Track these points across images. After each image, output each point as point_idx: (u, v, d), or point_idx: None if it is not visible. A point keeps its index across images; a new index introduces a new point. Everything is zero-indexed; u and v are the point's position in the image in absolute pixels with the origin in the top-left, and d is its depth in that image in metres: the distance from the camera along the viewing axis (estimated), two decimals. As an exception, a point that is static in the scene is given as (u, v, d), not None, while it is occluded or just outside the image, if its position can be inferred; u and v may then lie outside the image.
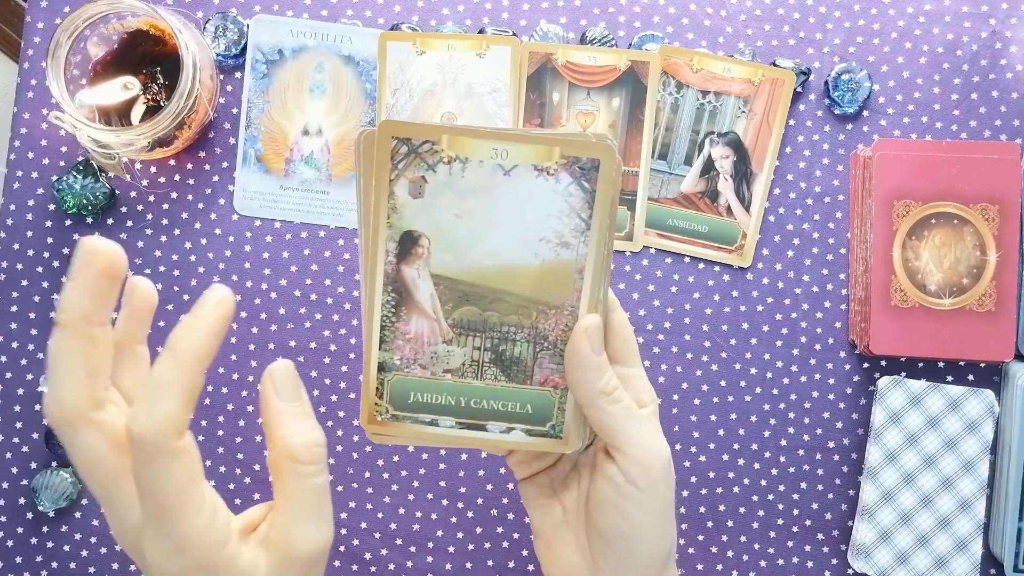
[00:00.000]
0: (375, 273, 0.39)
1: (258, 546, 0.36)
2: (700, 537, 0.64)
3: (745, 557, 0.64)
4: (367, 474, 0.64)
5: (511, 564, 0.64)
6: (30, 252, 0.64)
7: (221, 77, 0.65)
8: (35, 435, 0.64)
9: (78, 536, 0.64)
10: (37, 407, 0.64)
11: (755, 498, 0.64)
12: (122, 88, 0.61)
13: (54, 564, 0.64)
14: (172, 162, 0.65)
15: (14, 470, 0.64)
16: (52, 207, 0.64)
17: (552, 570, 0.44)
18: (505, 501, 0.64)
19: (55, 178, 0.64)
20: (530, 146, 0.37)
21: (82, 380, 0.32)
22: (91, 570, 0.64)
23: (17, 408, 0.64)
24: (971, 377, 0.64)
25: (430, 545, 0.64)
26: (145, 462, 0.32)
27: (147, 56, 0.61)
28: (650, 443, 0.40)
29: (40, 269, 0.64)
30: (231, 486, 0.64)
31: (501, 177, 0.38)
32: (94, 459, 0.33)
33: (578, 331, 0.39)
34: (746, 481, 0.64)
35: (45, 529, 0.64)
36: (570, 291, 0.39)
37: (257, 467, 0.64)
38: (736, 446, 0.64)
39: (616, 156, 0.37)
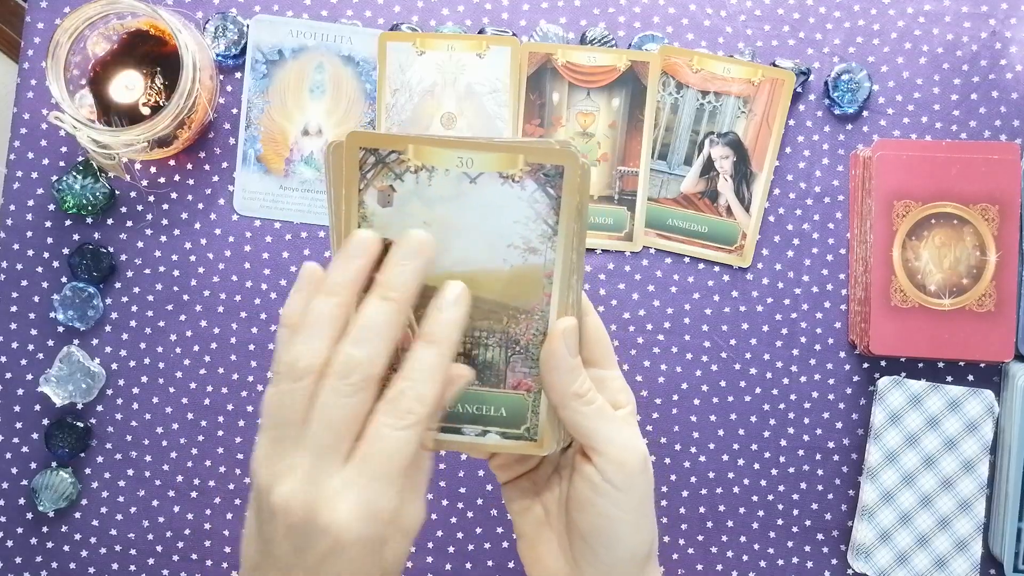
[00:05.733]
0: None
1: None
2: (700, 537, 0.64)
3: (745, 557, 0.64)
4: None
5: (511, 564, 0.64)
6: (30, 252, 0.64)
7: (221, 77, 0.65)
8: (35, 435, 0.64)
9: (78, 536, 0.64)
10: (37, 407, 0.64)
11: (755, 498, 0.64)
12: (124, 88, 0.61)
13: (54, 564, 0.64)
14: (172, 162, 0.65)
15: (14, 470, 0.64)
16: (52, 207, 0.64)
17: (536, 572, 0.44)
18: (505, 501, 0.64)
19: (55, 178, 0.64)
20: (494, 154, 0.38)
21: (330, 341, 0.36)
22: (91, 570, 0.64)
23: (17, 408, 0.64)
24: (971, 377, 0.64)
25: (430, 545, 0.64)
26: (406, 427, 0.36)
27: (147, 56, 0.61)
28: (626, 441, 0.41)
29: (40, 269, 0.64)
30: (231, 486, 0.64)
31: (467, 185, 0.38)
32: (293, 402, 0.36)
33: (555, 333, 0.39)
34: (746, 481, 0.64)
35: (45, 529, 0.64)
36: (539, 296, 0.40)
37: (257, 467, 0.64)
38: (736, 446, 0.64)
39: (580, 161, 0.38)
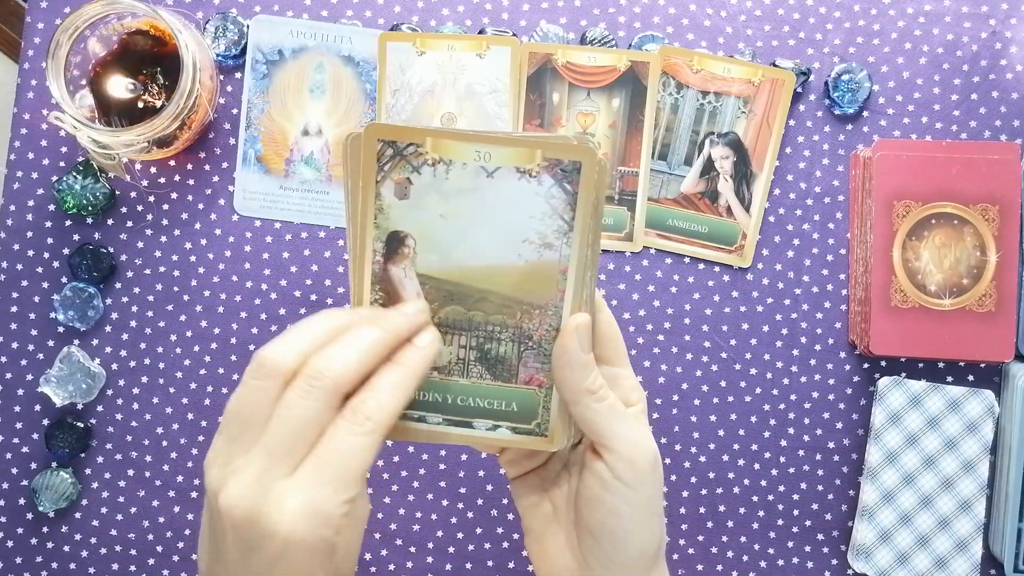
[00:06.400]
0: (363, 272, 0.40)
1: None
2: (700, 537, 0.64)
3: (745, 557, 0.64)
4: (367, 475, 0.64)
5: (511, 564, 0.64)
6: (30, 252, 0.64)
7: (221, 77, 0.65)
8: (35, 435, 0.64)
9: (78, 536, 0.64)
10: (37, 407, 0.64)
11: (755, 498, 0.64)
12: (124, 88, 0.61)
13: (54, 564, 0.64)
14: (172, 162, 0.65)
15: (14, 470, 0.64)
16: (52, 207, 0.64)
17: (543, 567, 0.45)
18: (505, 501, 0.64)
19: (55, 178, 0.64)
20: (512, 148, 0.38)
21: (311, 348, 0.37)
22: (91, 570, 0.64)
23: (17, 408, 0.64)
24: (971, 377, 0.64)
25: (430, 545, 0.64)
26: (351, 429, 0.36)
27: (147, 56, 0.61)
28: (636, 439, 0.41)
29: (40, 269, 0.64)
30: (231, 486, 0.64)
31: (484, 179, 0.38)
32: (255, 402, 0.36)
33: (567, 329, 0.39)
34: (746, 481, 0.64)
35: (45, 529, 0.64)
36: (553, 291, 0.40)
37: (257, 467, 0.64)
38: (736, 446, 0.64)
39: (597, 158, 0.38)
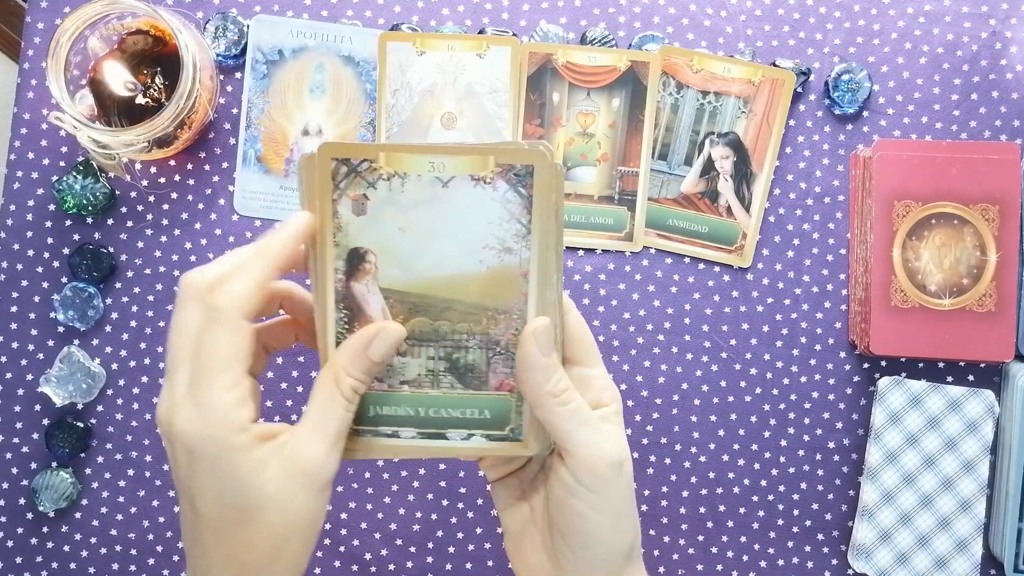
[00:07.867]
0: (326, 292, 0.40)
1: (273, 450, 0.38)
2: (700, 537, 0.64)
3: (745, 557, 0.64)
4: (367, 474, 0.64)
5: (511, 564, 0.64)
6: (30, 252, 0.64)
7: (221, 77, 0.65)
8: (35, 435, 0.64)
9: (78, 536, 0.64)
10: (37, 407, 0.64)
11: (755, 498, 0.64)
12: (123, 86, 0.61)
13: (54, 564, 0.64)
14: (172, 162, 0.65)
15: (14, 470, 0.64)
16: (52, 207, 0.64)
17: (520, 568, 0.45)
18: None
19: (55, 178, 0.64)
20: (465, 157, 0.39)
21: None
22: (91, 570, 0.64)
23: (17, 408, 0.64)
24: (971, 377, 0.64)
25: (430, 545, 0.64)
26: (207, 326, 0.36)
27: (147, 56, 0.61)
28: (599, 443, 0.40)
29: (40, 269, 0.64)
30: (231, 486, 0.64)
31: (440, 189, 0.39)
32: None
33: (526, 334, 0.40)
34: (746, 481, 0.64)
35: (45, 529, 0.64)
36: (517, 295, 0.40)
37: (257, 467, 0.64)
38: (736, 446, 0.64)
39: (550, 159, 0.38)
